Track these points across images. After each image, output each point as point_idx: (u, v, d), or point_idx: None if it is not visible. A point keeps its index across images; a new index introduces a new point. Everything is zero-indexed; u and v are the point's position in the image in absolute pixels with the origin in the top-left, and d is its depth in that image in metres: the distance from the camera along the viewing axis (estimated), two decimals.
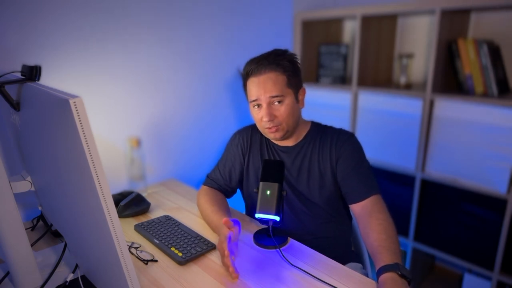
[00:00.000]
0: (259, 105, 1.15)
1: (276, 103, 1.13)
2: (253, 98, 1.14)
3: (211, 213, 1.17)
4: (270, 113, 1.12)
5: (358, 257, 1.30)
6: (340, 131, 1.22)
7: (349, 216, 1.28)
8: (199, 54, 1.68)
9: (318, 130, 1.24)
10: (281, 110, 1.13)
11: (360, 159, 1.17)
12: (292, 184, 1.20)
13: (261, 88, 1.12)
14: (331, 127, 1.25)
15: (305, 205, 1.20)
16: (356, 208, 1.11)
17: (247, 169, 1.27)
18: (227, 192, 1.31)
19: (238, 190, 1.35)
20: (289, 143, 1.23)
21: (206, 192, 1.26)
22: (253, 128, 1.30)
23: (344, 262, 1.20)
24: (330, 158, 1.17)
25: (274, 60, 1.12)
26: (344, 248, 1.26)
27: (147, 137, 1.58)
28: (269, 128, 1.15)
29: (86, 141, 0.60)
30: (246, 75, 1.17)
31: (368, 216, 1.05)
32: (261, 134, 1.27)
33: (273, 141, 1.25)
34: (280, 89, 1.12)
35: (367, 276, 1.22)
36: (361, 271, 1.21)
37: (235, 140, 1.30)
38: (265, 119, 1.13)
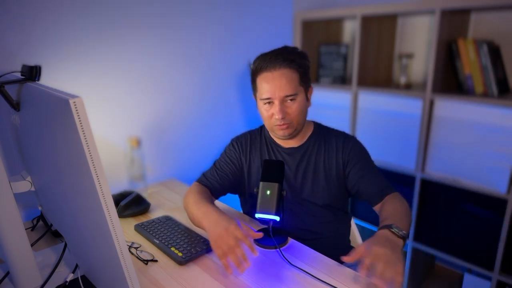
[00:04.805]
0: (270, 102, 1.12)
1: (289, 100, 1.11)
2: (266, 96, 1.11)
3: (198, 202, 1.09)
4: (283, 110, 1.11)
5: None
6: (345, 135, 1.23)
7: (348, 213, 1.29)
8: (199, 54, 1.68)
9: (321, 131, 1.24)
10: (293, 107, 1.12)
11: (370, 161, 1.19)
12: (296, 186, 1.20)
13: (276, 85, 1.09)
14: (333, 129, 1.26)
15: (308, 206, 1.20)
16: (378, 207, 1.12)
17: (249, 172, 1.25)
18: (218, 191, 1.23)
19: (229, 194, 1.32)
20: (294, 143, 1.22)
21: (195, 188, 1.18)
22: (251, 133, 1.29)
23: None
24: (337, 160, 1.18)
25: (288, 57, 1.10)
26: (345, 245, 1.27)
27: (147, 137, 1.58)
28: (280, 125, 1.13)
29: (86, 141, 0.60)
30: (256, 70, 1.13)
31: (385, 204, 1.08)
32: (261, 137, 1.26)
33: (277, 142, 1.24)
34: (294, 88, 1.11)
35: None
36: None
37: (233, 146, 1.28)
38: (278, 116, 1.10)
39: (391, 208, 1.05)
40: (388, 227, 0.92)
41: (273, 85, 1.09)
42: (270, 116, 1.14)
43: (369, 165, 1.18)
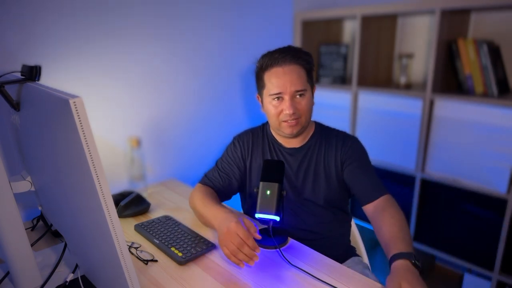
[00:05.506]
0: (279, 98, 1.13)
1: (298, 96, 1.12)
2: (276, 91, 1.11)
3: (206, 204, 1.11)
4: (293, 105, 1.11)
5: (356, 251, 1.31)
6: (345, 134, 1.23)
7: (348, 214, 1.29)
8: (199, 54, 1.68)
9: (323, 132, 1.24)
10: (303, 103, 1.13)
11: (367, 161, 1.19)
12: (297, 187, 1.20)
13: (287, 80, 1.10)
14: (334, 129, 1.26)
15: (309, 206, 1.20)
16: (369, 208, 1.12)
17: (250, 171, 1.25)
18: (222, 194, 1.24)
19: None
20: (295, 144, 1.22)
21: (200, 189, 1.20)
22: (253, 131, 1.28)
23: (345, 258, 1.21)
24: (335, 161, 1.18)
25: (296, 54, 1.12)
26: (345, 244, 1.27)
27: (147, 137, 1.58)
28: (289, 121, 1.13)
29: (86, 141, 0.60)
30: (266, 66, 1.14)
31: (381, 212, 1.07)
32: (264, 136, 1.26)
33: (279, 141, 1.23)
34: (303, 83, 1.12)
35: (369, 269, 1.23)
36: (363, 264, 1.23)
37: (235, 145, 1.27)
38: (289, 111, 1.11)
39: (394, 224, 1.01)
40: (408, 257, 0.90)
41: (284, 80, 1.10)
42: (278, 112, 1.13)
43: (365, 166, 1.17)
